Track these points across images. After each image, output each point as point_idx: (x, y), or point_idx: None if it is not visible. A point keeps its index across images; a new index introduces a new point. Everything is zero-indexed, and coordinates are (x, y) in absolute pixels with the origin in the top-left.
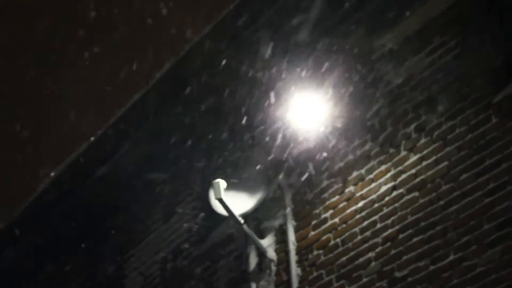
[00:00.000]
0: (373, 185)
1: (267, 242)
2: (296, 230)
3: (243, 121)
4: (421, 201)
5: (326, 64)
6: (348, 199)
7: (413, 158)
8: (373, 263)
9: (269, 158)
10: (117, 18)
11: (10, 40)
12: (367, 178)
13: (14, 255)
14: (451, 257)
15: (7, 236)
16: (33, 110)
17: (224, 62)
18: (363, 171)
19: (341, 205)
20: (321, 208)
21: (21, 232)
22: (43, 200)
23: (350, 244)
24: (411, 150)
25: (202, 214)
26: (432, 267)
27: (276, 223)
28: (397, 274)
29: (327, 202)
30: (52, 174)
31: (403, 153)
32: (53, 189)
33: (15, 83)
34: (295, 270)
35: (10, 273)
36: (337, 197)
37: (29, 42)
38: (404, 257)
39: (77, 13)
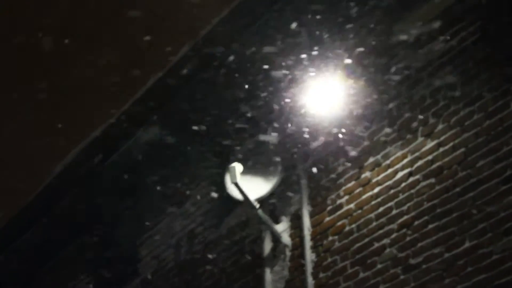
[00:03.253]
0: (389, 171)
1: (282, 227)
2: (311, 215)
3: (260, 106)
4: (437, 187)
5: (345, 48)
6: (364, 185)
7: (430, 144)
8: (388, 250)
9: (285, 143)
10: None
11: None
12: (383, 164)
13: (29, 238)
14: (467, 244)
15: (22, 219)
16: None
17: (241, 46)
18: (379, 156)
19: (357, 190)
20: (336, 193)
21: (37, 214)
22: (59, 182)
23: (365, 230)
24: (428, 136)
25: (217, 199)
26: (447, 254)
27: (291, 208)
28: (412, 261)
29: (343, 188)
30: (67, 156)
31: (420, 139)
32: (69, 172)
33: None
34: (309, 256)
35: (26, 255)
36: (353, 182)
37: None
38: (419, 244)
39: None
